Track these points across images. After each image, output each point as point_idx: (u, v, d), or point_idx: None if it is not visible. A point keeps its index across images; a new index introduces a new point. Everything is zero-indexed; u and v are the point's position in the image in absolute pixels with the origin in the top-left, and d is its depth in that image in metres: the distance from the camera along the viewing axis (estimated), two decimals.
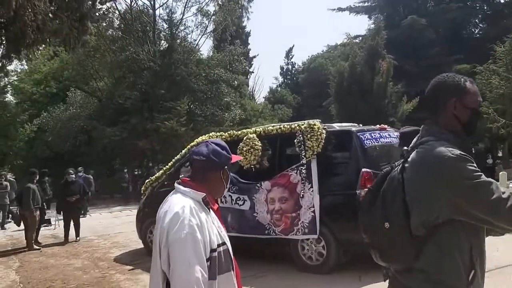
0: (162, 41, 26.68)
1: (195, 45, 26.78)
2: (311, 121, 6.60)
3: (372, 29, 24.12)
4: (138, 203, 18.88)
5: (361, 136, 6.31)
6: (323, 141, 6.32)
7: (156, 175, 8.49)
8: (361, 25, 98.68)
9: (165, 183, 7.87)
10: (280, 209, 6.62)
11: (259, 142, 7.02)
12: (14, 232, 12.75)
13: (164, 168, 8.25)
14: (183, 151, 8.18)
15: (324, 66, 47.51)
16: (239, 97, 30.80)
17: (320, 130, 6.38)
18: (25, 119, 26.35)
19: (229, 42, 31.61)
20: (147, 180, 8.59)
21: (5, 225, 14.26)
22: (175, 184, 2.08)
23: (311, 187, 6.33)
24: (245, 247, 7.37)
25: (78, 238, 10.80)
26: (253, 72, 43.01)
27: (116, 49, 24.63)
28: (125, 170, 24.82)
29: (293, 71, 52.54)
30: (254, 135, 7.11)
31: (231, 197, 7.11)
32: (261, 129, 7.28)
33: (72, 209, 10.81)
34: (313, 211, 6.28)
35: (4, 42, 9.43)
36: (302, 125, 6.63)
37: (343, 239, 6.13)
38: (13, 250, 10.30)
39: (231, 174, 7.18)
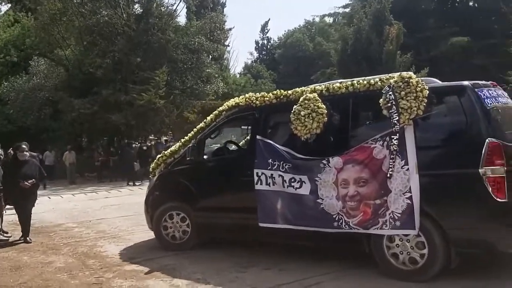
0: (136, 5, 24.08)
1: (173, 10, 24.37)
2: (404, 73, 4.82)
3: None
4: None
5: (479, 93, 4.58)
6: (425, 100, 4.58)
7: (170, 149, 6.54)
8: None
9: (187, 158, 5.98)
10: (356, 194, 4.86)
11: (323, 104, 5.22)
12: None
13: (182, 140, 6.30)
14: (208, 118, 6.29)
15: (302, 42, 45.94)
16: (219, 69, 28.61)
17: (420, 85, 4.62)
18: None
19: (210, 9, 29.22)
20: (158, 156, 6.61)
21: None
22: None
23: (405, 164, 4.60)
24: (301, 244, 5.68)
25: (29, 238, 7.81)
26: (228, 46, 40.79)
27: (86, 12, 21.93)
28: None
29: (268, 47, 50.62)
30: (315, 95, 5.29)
31: (282, 177, 5.28)
32: (323, 86, 5.46)
33: (28, 197, 7.81)
34: (409, 198, 4.55)
35: None
36: (391, 78, 4.85)
37: (457, 237, 4.46)
38: None
39: (282, 148, 5.43)
